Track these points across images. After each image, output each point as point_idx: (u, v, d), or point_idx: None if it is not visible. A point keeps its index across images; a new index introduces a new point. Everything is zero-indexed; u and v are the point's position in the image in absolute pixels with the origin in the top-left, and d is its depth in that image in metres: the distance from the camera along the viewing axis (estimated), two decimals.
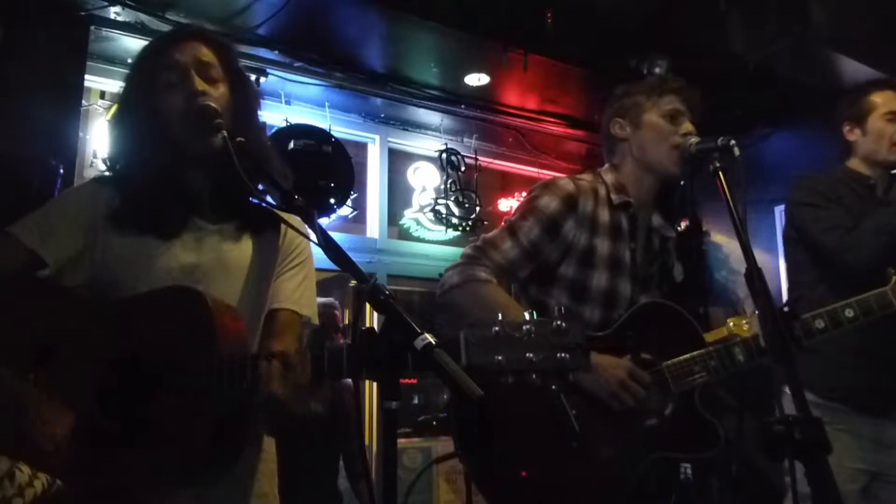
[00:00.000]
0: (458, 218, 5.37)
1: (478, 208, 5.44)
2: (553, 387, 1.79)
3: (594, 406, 1.81)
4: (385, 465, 1.06)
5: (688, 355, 1.88)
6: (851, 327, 1.89)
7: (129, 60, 3.72)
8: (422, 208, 5.45)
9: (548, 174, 5.34)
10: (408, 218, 5.49)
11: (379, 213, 5.33)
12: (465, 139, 5.67)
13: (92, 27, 3.84)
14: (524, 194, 2.06)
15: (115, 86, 4.12)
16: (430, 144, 5.56)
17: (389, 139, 5.46)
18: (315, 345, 1.30)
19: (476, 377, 1.02)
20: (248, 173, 1.32)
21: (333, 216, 4.68)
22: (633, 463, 1.82)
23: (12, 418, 1.27)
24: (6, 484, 1.69)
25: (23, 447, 1.30)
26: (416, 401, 5.55)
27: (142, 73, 1.52)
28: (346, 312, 4.15)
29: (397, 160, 5.56)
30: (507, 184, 6.08)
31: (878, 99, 2.44)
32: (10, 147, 3.29)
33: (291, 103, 4.83)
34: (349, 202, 4.70)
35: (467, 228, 5.40)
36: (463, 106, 5.16)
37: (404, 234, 5.56)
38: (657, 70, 4.38)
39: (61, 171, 3.49)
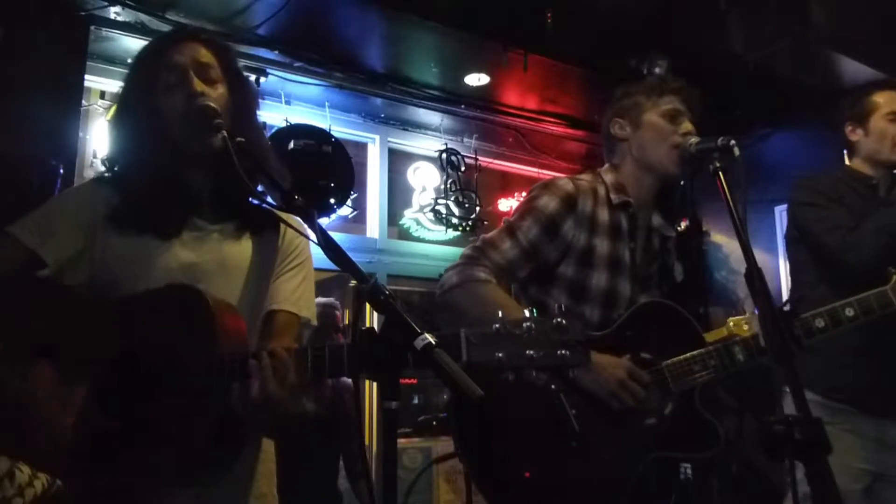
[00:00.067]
0: (458, 218, 5.37)
1: (478, 208, 5.44)
2: (553, 386, 1.79)
3: (594, 406, 1.81)
4: (385, 465, 1.06)
5: (687, 355, 1.88)
6: (851, 326, 1.89)
7: (129, 60, 3.72)
8: (422, 208, 5.45)
9: (548, 174, 5.34)
10: (408, 218, 5.49)
11: (379, 213, 5.33)
12: (465, 139, 5.67)
13: (92, 27, 3.84)
14: (524, 194, 2.06)
15: (115, 86, 4.13)
16: (430, 144, 5.56)
17: (389, 139, 5.46)
18: (315, 345, 1.30)
19: (476, 377, 1.02)
20: (247, 173, 1.33)
21: (333, 216, 4.68)
22: (632, 462, 1.82)
23: (13, 418, 1.27)
24: (6, 484, 1.69)
25: (23, 447, 1.30)
26: (416, 401, 5.55)
27: (141, 74, 1.52)
28: (346, 312, 4.15)
29: (397, 160, 5.56)
30: (507, 184, 6.08)
31: (881, 99, 2.44)
32: (10, 147, 3.29)
33: (291, 103, 4.83)
34: (349, 202, 4.70)
35: (467, 228, 5.40)
36: (463, 106, 5.16)
37: (404, 234, 5.56)
38: (657, 70, 4.38)
39: (61, 171, 3.49)
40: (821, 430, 1.25)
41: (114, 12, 3.80)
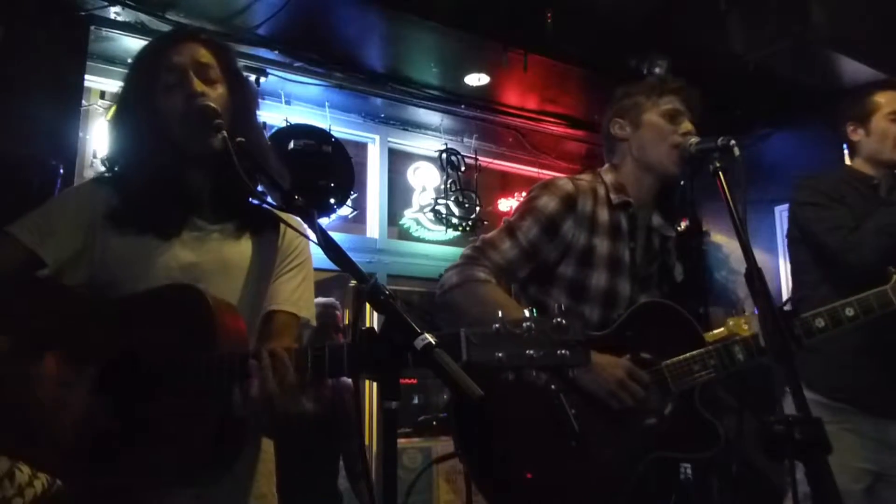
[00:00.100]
0: (458, 218, 5.37)
1: (478, 208, 5.44)
2: (552, 386, 1.79)
3: (593, 405, 1.81)
4: (385, 465, 1.06)
5: (687, 355, 1.88)
6: (852, 326, 1.89)
7: (129, 60, 3.73)
8: (422, 208, 5.45)
9: (548, 174, 5.34)
10: (408, 218, 5.49)
11: (379, 213, 5.33)
12: (465, 139, 5.67)
13: (92, 27, 3.84)
14: (524, 194, 2.06)
15: (115, 86, 4.12)
16: (430, 144, 5.56)
17: (389, 139, 5.46)
18: (315, 345, 1.29)
19: (476, 377, 1.02)
20: (247, 173, 1.33)
21: (333, 216, 4.68)
22: (632, 462, 1.82)
23: (13, 417, 1.27)
24: (6, 484, 1.69)
25: (23, 447, 1.30)
26: (416, 401, 5.55)
27: (140, 74, 1.52)
28: (346, 312, 4.15)
29: (397, 160, 5.56)
30: (507, 184, 6.08)
31: (882, 99, 2.44)
32: (10, 147, 3.29)
33: (291, 103, 4.83)
34: (349, 202, 4.70)
35: (467, 228, 5.40)
36: (463, 106, 5.16)
37: (404, 234, 5.56)
38: (657, 70, 4.38)
39: (61, 171, 3.49)
40: (821, 429, 1.25)
41: (114, 12, 3.80)
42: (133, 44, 3.92)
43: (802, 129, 4.96)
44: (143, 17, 3.84)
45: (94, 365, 1.31)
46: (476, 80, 4.85)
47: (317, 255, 1.40)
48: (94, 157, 4.08)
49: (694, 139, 1.89)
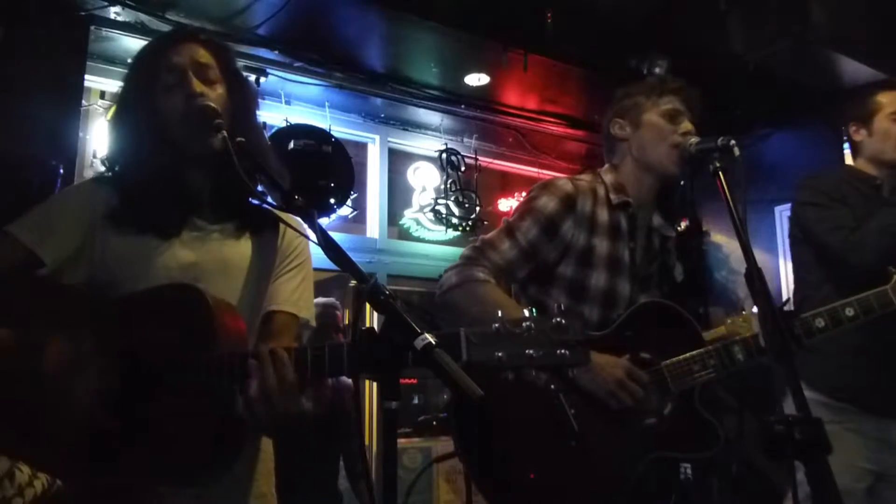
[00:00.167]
0: (458, 218, 5.37)
1: (478, 208, 5.44)
2: (552, 386, 1.79)
3: (593, 405, 1.81)
4: (385, 465, 1.06)
5: (687, 355, 1.88)
6: (852, 326, 1.89)
7: (129, 60, 3.73)
8: (422, 208, 5.46)
9: (548, 174, 5.34)
10: (408, 218, 5.49)
11: (379, 213, 5.33)
12: (465, 139, 5.67)
13: (92, 27, 3.84)
14: (524, 194, 2.06)
15: (115, 86, 4.12)
16: (430, 144, 5.56)
17: (389, 139, 5.46)
18: (315, 345, 1.29)
19: (476, 376, 1.02)
20: (247, 173, 1.32)
21: (333, 216, 4.68)
22: (632, 462, 1.82)
23: (13, 416, 1.27)
24: (6, 484, 1.69)
25: (23, 447, 1.30)
26: (416, 401, 5.55)
27: (140, 74, 1.52)
28: (346, 312, 4.15)
29: (397, 160, 5.56)
30: (507, 184, 6.08)
31: (885, 99, 2.44)
32: (10, 147, 3.29)
33: (291, 103, 4.83)
34: (349, 202, 4.70)
35: (467, 228, 5.40)
36: (463, 106, 5.16)
37: (404, 234, 5.56)
38: (657, 70, 4.38)
39: (61, 171, 3.49)
40: (821, 429, 1.25)
41: (114, 12, 3.80)
42: (133, 44, 3.92)
43: (802, 129, 4.96)
44: (143, 17, 3.84)
45: (94, 365, 1.31)
46: (476, 80, 4.85)
47: (317, 255, 1.40)
48: (94, 157, 4.08)
49: (694, 139, 1.89)
